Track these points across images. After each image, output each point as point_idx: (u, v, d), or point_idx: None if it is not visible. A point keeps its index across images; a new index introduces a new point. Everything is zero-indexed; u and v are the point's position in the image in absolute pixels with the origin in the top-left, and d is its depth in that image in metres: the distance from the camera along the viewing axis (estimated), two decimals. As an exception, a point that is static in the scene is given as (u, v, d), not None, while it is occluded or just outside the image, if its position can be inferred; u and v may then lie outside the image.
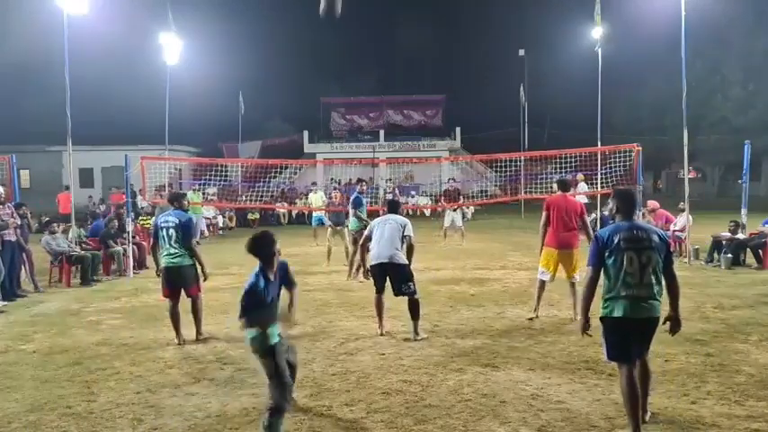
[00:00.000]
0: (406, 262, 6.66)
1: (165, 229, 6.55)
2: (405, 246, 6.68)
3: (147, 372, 5.61)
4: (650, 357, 4.40)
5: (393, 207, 7.18)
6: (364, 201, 10.91)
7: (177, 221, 6.55)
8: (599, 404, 4.62)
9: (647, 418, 4.28)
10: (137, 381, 5.37)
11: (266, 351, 4.13)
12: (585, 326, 4.24)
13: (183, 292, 6.63)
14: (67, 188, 19.44)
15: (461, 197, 16.98)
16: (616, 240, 4.06)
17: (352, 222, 10.68)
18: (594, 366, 5.50)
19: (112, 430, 4.35)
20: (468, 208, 24.16)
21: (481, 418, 4.43)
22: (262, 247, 4.27)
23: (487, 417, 4.44)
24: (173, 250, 6.54)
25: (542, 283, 7.45)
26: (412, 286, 6.61)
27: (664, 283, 4.14)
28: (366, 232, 7.16)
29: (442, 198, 17.77)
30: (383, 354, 6.04)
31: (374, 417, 4.48)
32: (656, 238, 4.09)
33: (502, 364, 5.66)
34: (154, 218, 16.09)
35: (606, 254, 4.08)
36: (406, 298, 6.66)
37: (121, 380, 5.41)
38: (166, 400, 4.87)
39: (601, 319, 4.17)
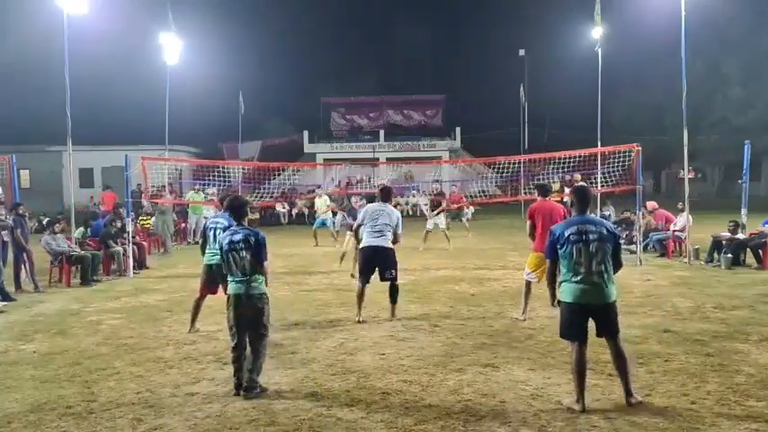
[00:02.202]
0: (393, 248, 7.35)
1: (212, 230, 6.80)
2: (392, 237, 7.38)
3: (147, 372, 5.61)
4: (623, 340, 4.71)
5: (385, 196, 7.64)
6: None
7: (226, 224, 6.70)
8: (599, 404, 4.62)
9: (633, 401, 4.52)
10: (137, 381, 5.37)
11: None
12: (554, 301, 4.91)
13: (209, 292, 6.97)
14: (109, 187, 19.59)
15: (445, 202, 16.82)
16: (566, 234, 4.54)
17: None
18: (594, 366, 5.49)
19: (112, 430, 4.35)
20: (468, 207, 24.14)
21: (481, 418, 4.43)
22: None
23: (487, 417, 4.44)
24: (216, 250, 6.68)
25: (529, 284, 7.49)
26: (394, 273, 7.31)
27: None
28: (359, 219, 7.62)
29: (429, 204, 17.47)
30: (383, 354, 6.05)
31: (374, 417, 4.48)
32: (604, 230, 4.57)
33: (502, 364, 5.66)
34: (154, 218, 16.16)
35: (558, 246, 4.59)
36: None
37: (121, 380, 5.40)
38: (166, 400, 4.87)
39: (557, 302, 4.75)
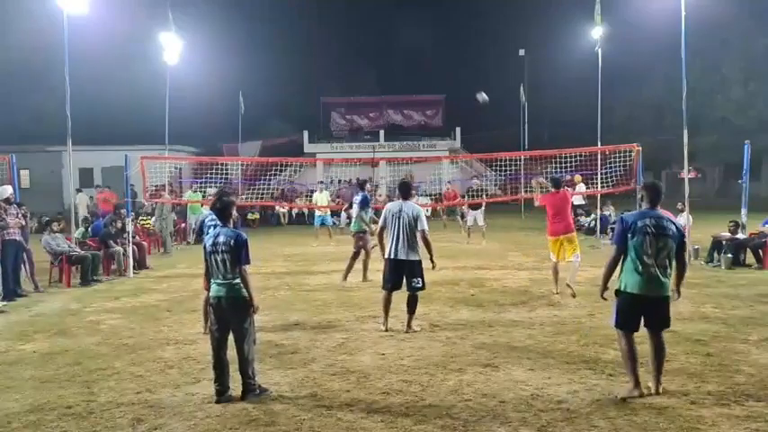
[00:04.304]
0: (420, 258, 6.87)
1: (210, 227, 6.63)
2: (420, 239, 6.84)
3: (147, 372, 5.61)
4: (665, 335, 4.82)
5: (404, 191, 7.13)
6: (370, 201, 10.66)
7: None
8: (599, 404, 4.62)
9: (660, 390, 4.74)
10: (137, 381, 5.37)
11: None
12: (603, 291, 4.88)
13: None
14: (108, 187, 19.94)
15: (485, 195, 16.91)
16: (640, 224, 4.64)
17: (354, 224, 10.42)
18: (594, 366, 5.51)
19: (112, 430, 4.35)
20: (463, 206, 24.03)
21: (481, 418, 4.43)
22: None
23: (487, 417, 4.44)
24: None
25: (555, 264, 8.79)
26: (420, 282, 6.83)
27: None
28: (381, 222, 7.14)
29: (465, 197, 17.65)
30: (383, 354, 6.05)
31: (374, 417, 4.48)
32: (673, 227, 4.69)
33: (502, 364, 5.66)
34: (154, 218, 16.17)
35: (629, 235, 4.66)
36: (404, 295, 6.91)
37: (121, 380, 5.41)
38: (166, 400, 4.88)
39: (616, 291, 4.77)
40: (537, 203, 9.35)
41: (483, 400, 4.78)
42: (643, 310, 4.70)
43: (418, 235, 6.81)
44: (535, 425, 4.28)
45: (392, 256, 6.84)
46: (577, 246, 8.76)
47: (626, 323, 4.73)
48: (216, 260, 4.88)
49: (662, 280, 4.65)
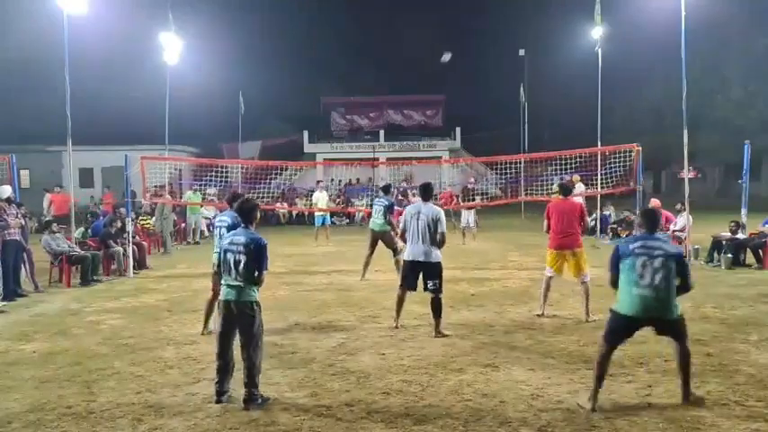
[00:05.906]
0: (440, 260, 6.80)
1: (219, 228, 6.64)
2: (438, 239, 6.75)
3: (147, 372, 5.61)
4: (690, 342, 4.74)
5: (425, 192, 7.06)
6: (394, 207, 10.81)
7: (230, 222, 6.56)
8: (599, 404, 4.62)
9: (691, 398, 4.64)
10: (137, 381, 5.37)
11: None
12: None
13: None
14: (108, 187, 19.26)
15: (476, 197, 17.04)
16: (631, 248, 4.64)
17: (379, 224, 10.30)
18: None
19: (112, 430, 4.35)
20: (458, 208, 24.04)
21: (481, 418, 4.43)
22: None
23: (487, 417, 4.44)
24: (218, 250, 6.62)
25: (548, 280, 7.63)
26: (437, 284, 6.72)
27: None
28: (402, 225, 7.08)
29: (459, 198, 17.81)
30: (383, 354, 6.05)
31: (374, 417, 4.48)
32: (669, 248, 4.65)
33: (502, 364, 5.66)
34: (154, 218, 16.16)
35: (622, 260, 4.65)
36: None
37: (121, 380, 5.41)
38: (166, 400, 4.88)
39: (610, 309, 4.74)
40: (544, 228, 7.79)
41: (483, 400, 4.78)
42: (635, 330, 4.68)
43: (438, 237, 6.71)
44: (535, 425, 4.28)
45: (410, 258, 6.82)
46: (586, 261, 7.59)
47: (612, 340, 4.69)
48: (230, 259, 4.80)
49: (661, 301, 4.51)
